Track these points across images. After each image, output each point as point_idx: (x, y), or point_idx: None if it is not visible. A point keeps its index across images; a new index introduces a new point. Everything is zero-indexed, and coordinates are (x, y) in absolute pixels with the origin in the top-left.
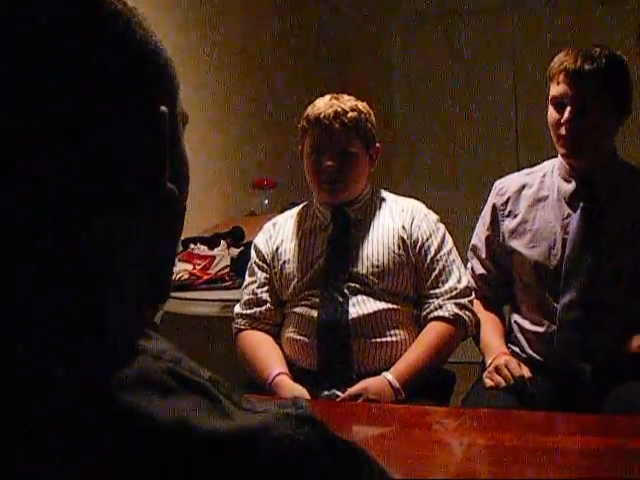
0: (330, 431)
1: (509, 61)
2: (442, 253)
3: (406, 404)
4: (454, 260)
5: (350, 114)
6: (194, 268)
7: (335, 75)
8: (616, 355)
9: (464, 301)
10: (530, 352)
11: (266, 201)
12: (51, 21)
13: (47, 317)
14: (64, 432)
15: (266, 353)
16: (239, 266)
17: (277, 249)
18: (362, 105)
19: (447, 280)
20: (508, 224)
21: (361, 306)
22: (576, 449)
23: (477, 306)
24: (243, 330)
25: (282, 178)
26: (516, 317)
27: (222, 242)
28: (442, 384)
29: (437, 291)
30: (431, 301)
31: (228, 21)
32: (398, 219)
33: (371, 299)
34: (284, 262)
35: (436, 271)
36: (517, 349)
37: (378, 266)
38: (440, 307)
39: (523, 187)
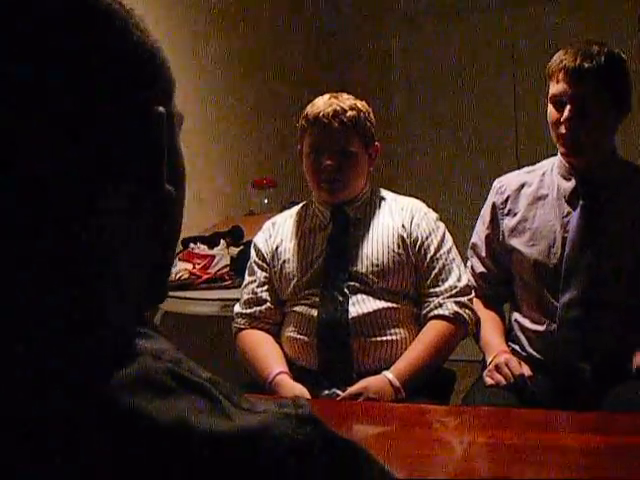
0: (330, 430)
1: (508, 60)
2: (442, 252)
3: (406, 403)
4: (454, 259)
5: (349, 113)
6: (194, 267)
7: (335, 74)
8: (616, 353)
9: (464, 299)
10: (530, 350)
11: (265, 200)
12: (49, 22)
13: (47, 317)
14: (64, 432)
15: (266, 352)
16: (239, 265)
17: (277, 248)
18: (361, 104)
19: (447, 279)
20: (508, 222)
21: (361, 305)
22: (576, 447)
23: (477, 304)
24: (243, 329)
25: (281, 177)
26: (516, 315)
27: (222, 241)
28: (442, 383)
29: (437, 290)
30: (431, 300)
31: (228, 21)
32: (398, 218)
33: (371, 298)
34: (284, 261)
35: (436, 270)
36: (517, 347)
37: (378, 265)
38: (440, 306)
39: (523, 185)
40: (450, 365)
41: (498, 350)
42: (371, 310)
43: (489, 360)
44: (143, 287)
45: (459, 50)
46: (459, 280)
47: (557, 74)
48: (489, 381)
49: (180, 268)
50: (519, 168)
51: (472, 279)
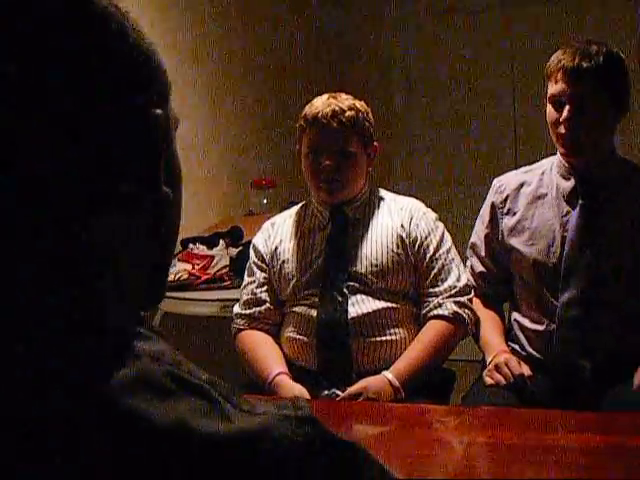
0: (329, 431)
1: (508, 60)
2: (441, 251)
3: (406, 403)
4: (453, 258)
5: (348, 113)
6: (193, 268)
7: (334, 74)
8: (615, 353)
9: (463, 299)
10: (530, 350)
11: (265, 200)
12: (47, 24)
13: (47, 317)
14: (63, 433)
15: (266, 353)
16: (238, 266)
17: (276, 249)
18: (360, 104)
19: (446, 278)
20: (507, 222)
21: (360, 305)
22: (576, 447)
23: (477, 304)
24: (242, 330)
25: (281, 178)
26: (516, 315)
27: (221, 242)
28: (442, 383)
29: (436, 289)
30: (430, 300)
31: (227, 21)
32: (397, 218)
33: (370, 298)
34: (283, 262)
35: (435, 269)
36: (517, 347)
37: (377, 265)
38: (439, 305)
39: (522, 185)
40: (449, 365)
41: (498, 350)
42: (370, 310)
43: (489, 360)
44: (142, 287)
45: (458, 50)
46: (458, 280)
47: (556, 74)
48: (489, 381)
49: (179, 269)
50: (518, 167)
51: (471, 279)
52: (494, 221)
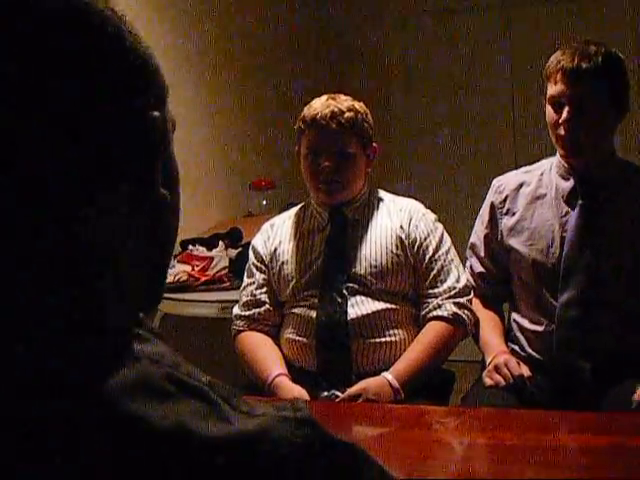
0: (329, 433)
1: (507, 60)
2: (440, 252)
3: (405, 404)
4: (452, 259)
5: (347, 114)
6: (193, 269)
7: (334, 74)
8: (615, 353)
9: (463, 300)
10: (529, 351)
11: (264, 202)
12: (44, 27)
13: (47, 317)
14: (63, 434)
15: (265, 354)
16: (237, 267)
17: (275, 250)
18: (359, 105)
19: (446, 279)
20: (506, 222)
21: (360, 306)
22: (576, 447)
23: (476, 304)
24: (242, 331)
25: (280, 179)
26: (515, 315)
27: (220, 243)
28: (441, 384)
29: (436, 291)
30: (430, 301)
31: (227, 22)
32: (396, 219)
33: (370, 299)
34: (282, 263)
35: (434, 271)
36: (516, 347)
37: (376, 266)
38: (439, 307)
39: (521, 185)
40: (449, 366)
41: (497, 350)
42: (370, 311)
43: (488, 360)
44: (141, 288)
45: (458, 50)
46: (458, 281)
47: (555, 75)
48: (488, 382)
49: (179, 270)
50: (517, 168)
51: (471, 279)
52: (493, 221)
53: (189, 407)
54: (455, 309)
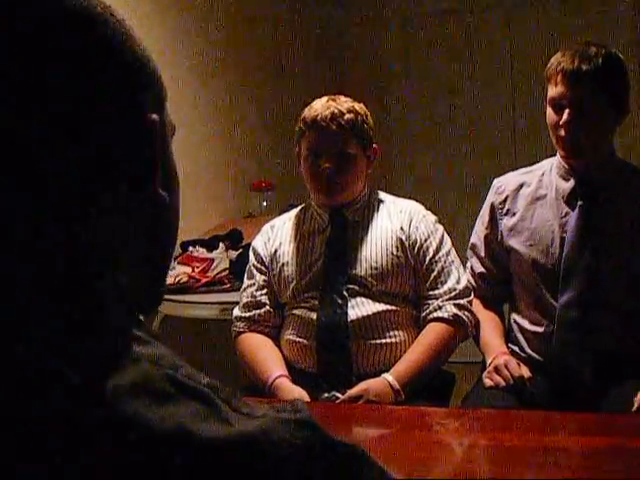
0: (329, 434)
1: (507, 60)
2: (441, 254)
3: (406, 405)
4: (453, 261)
5: (347, 116)
6: (193, 271)
7: (334, 74)
8: (615, 354)
9: (463, 302)
10: (529, 352)
11: (264, 203)
12: (44, 28)
13: (47, 317)
14: (63, 434)
15: (265, 356)
16: (238, 268)
17: (275, 252)
18: (359, 106)
19: (446, 281)
20: (506, 222)
21: (360, 308)
22: (576, 448)
23: (477, 305)
24: (242, 333)
25: (280, 180)
26: (515, 316)
27: (221, 244)
28: (441, 385)
29: (436, 292)
30: (430, 302)
31: (227, 23)
32: (396, 220)
33: (370, 301)
34: (283, 264)
35: (435, 272)
36: (516, 348)
37: (377, 268)
38: (439, 308)
39: (521, 186)
40: (449, 367)
41: (497, 351)
42: (370, 313)
43: (488, 361)
44: (141, 288)
45: (457, 51)
46: (458, 282)
47: (555, 77)
48: (488, 383)
49: (179, 271)
50: (517, 169)
51: (471, 279)
52: (493, 222)
53: (189, 409)
54: (455, 310)
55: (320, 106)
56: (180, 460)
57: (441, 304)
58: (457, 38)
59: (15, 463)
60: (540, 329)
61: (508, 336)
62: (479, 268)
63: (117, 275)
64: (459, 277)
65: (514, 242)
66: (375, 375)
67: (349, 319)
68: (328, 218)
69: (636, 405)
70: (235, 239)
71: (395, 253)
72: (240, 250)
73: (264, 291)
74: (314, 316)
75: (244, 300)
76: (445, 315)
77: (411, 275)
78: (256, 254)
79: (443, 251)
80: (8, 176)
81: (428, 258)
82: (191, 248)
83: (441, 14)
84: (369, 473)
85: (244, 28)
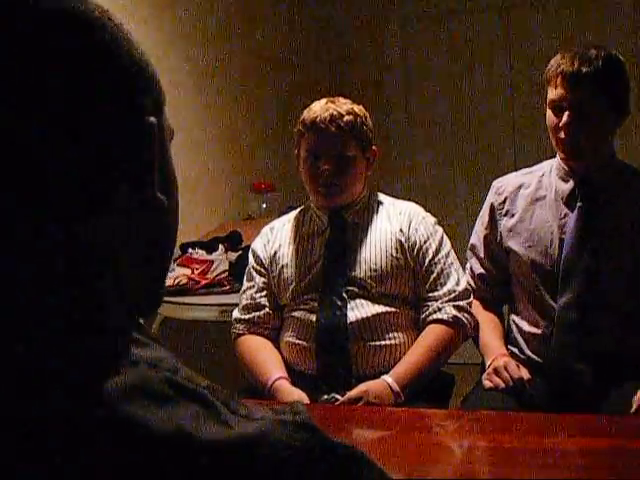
0: (327, 436)
1: (506, 61)
2: (440, 256)
3: (406, 407)
4: (452, 263)
5: (346, 117)
6: (192, 273)
7: (334, 75)
8: (614, 356)
9: (463, 303)
10: (529, 353)
11: (264, 205)
12: (44, 29)
13: (47, 317)
14: (62, 434)
15: (265, 357)
16: (237, 270)
17: (275, 254)
18: (358, 108)
19: (445, 283)
20: (505, 223)
21: (360, 310)
22: (575, 450)
23: (476, 306)
24: (242, 335)
25: (279, 182)
26: (514, 318)
27: (220, 246)
28: (441, 387)
29: (436, 294)
30: (430, 304)
31: (226, 24)
32: (396, 222)
33: (370, 302)
34: (282, 266)
35: (434, 274)
36: (516, 350)
37: (376, 270)
38: (439, 310)
39: (521, 187)
40: (449, 368)
41: (497, 353)
42: (370, 315)
43: (488, 363)
44: (141, 289)
45: (457, 52)
46: (457, 284)
47: (555, 79)
48: (488, 384)
49: (179, 273)
50: (517, 170)
51: (471, 280)
52: (493, 222)
53: (188, 411)
54: (455, 312)
55: (319, 108)
56: (179, 462)
57: (441, 306)
58: (457, 38)
59: (15, 463)
60: (539, 330)
61: (507, 337)
62: (478, 269)
63: (117, 276)
64: (458, 279)
65: (513, 243)
66: (375, 377)
67: (348, 321)
68: (327, 220)
69: (635, 406)
70: (234, 241)
71: (394, 255)
72: (239, 252)
73: (263, 293)
74: (313, 318)
75: (243, 302)
76: (445, 317)
77: (410, 277)
78: (255, 256)
79: (442, 253)
80: (8, 176)
81: (427, 260)
82: (190, 250)
83: (441, 14)
84: (368, 475)
85: (243, 29)
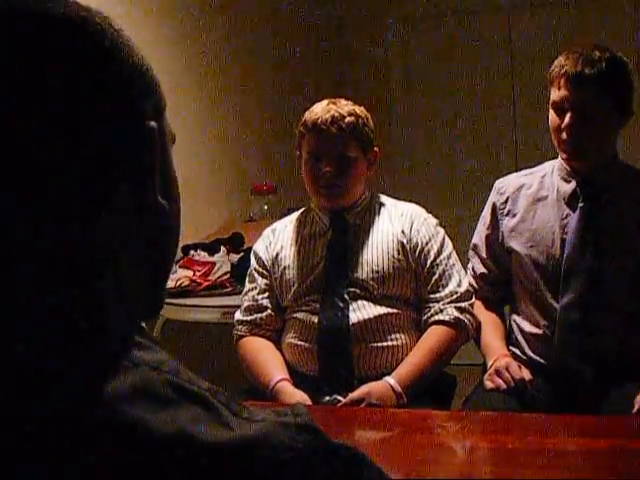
0: (329, 438)
1: (507, 61)
2: (442, 257)
3: (408, 408)
4: (454, 264)
5: (347, 119)
6: (194, 274)
7: (334, 75)
8: (617, 356)
9: (465, 305)
10: (530, 354)
11: (265, 206)
12: (45, 32)
13: (47, 317)
14: (63, 434)
15: (267, 359)
16: (239, 272)
17: (277, 255)
18: (359, 109)
19: (447, 284)
20: (507, 223)
21: (361, 311)
22: (577, 450)
23: (478, 307)
24: (244, 336)
25: (281, 183)
26: (516, 318)
27: (222, 248)
28: (443, 388)
29: (437, 295)
30: (432, 305)
31: (227, 25)
32: (397, 224)
33: (371, 304)
34: (284, 268)
35: (436, 275)
36: (517, 351)
37: (378, 271)
38: (441, 311)
39: (522, 187)
40: (451, 369)
41: (498, 354)
42: (372, 316)
43: (489, 364)
44: (142, 289)
45: (458, 53)
46: (459, 285)
47: (558, 80)
48: (489, 385)
49: (180, 275)
50: (518, 171)
51: (473, 280)
52: (495, 222)
53: (190, 413)
54: (457, 313)
55: (320, 109)
56: (181, 464)
57: (442, 307)
58: (457, 38)
59: (15, 463)
60: (540, 331)
61: (509, 338)
62: (480, 269)
63: (117, 277)
64: (460, 280)
65: (515, 243)
66: (377, 378)
67: (350, 322)
68: (329, 221)
69: (637, 406)
70: (236, 243)
71: (396, 256)
72: (241, 254)
73: (265, 295)
74: (315, 319)
75: (245, 304)
76: (446, 318)
77: (412, 278)
78: (257, 258)
79: (444, 254)
80: (8, 176)
81: (429, 261)
82: (192, 252)
83: (441, 14)
84: (370, 477)
85: (243, 29)
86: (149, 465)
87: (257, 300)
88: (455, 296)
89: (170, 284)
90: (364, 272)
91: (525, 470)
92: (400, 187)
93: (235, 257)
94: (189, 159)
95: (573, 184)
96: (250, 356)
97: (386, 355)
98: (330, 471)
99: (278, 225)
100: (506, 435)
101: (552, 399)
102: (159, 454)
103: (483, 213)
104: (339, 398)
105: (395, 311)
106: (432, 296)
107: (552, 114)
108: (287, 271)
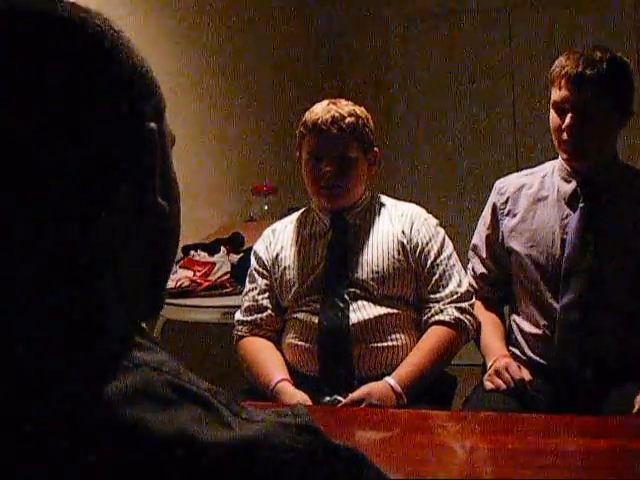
0: (329, 438)
1: (508, 61)
2: (442, 257)
3: (408, 408)
4: (454, 264)
5: (348, 119)
6: (194, 275)
7: (334, 75)
8: (617, 356)
9: (465, 305)
10: (530, 354)
11: (265, 207)
12: (45, 33)
13: (47, 317)
14: (63, 434)
15: (267, 359)
16: (239, 272)
17: (277, 256)
18: (360, 110)
19: (447, 284)
20: (507, 223)
21: (362, 311)
22: (577, 451)
23: (478, 307)
24: (244, 337)
25: (281, 184)
26: (516, 318)
27: (222, 248)
28: (444, 388)
29: (438, 295)
30: (432, 305)
31: (226, 26)
32: (397, 224)
33: (371, 304)
34: (284, 268)
35: (436, 275)
36: (517, 351)
37: (378, 271)
38: (441, 311)
39: (523, 187)
40: (451, 370)
41: (498, 354)
42: (372, 316)
43: (489, 364)
44: (142, 289)
45: (458, 53)
46: (459, 286)
47: (559, 80)
48: (489, 385)
49: (181, 275)
50: (518, 171)
51: (473, 280)
52: (495, 222)
53: (190, 413)
54: (457, 314)
55: (321, 110)
56: (181, 464)
57: (443, 307)
58: (457, 38)
59: (15, 463)
60: (540, 331)
61: (509, 338)
62: (480, 269)
63: (117, 277)
64: (460, 280)
65: (515, 243)
66: (377, 378)
67: (350, 323)
68: (329, 222)
69: (638, 406)
70: (237, 243)
71: (396, 257)
72: (241, 254)
73: (266, 295)
74: (316, 320)
75: (246, 304)
76: (447, 318)
77: (412, 278)
78: (257, 258)
79: (444, 255)
80: (8, 176)
81: (429, 262)
82: (192, 252)
83: (441, 14)
84: (370, 477)
85: (243, 30)
86: (149, 465)
87: (257, 300)
88: (455, 296)
89: (170, 284)
90: (364, 272)
91: (525, 470)
92: (400, 187)
93: (235, 257)
94: (189, 159)
95: (573, 184)
96: (250, 356)
97: (386, 355)
98: (330, 472)
99: (278, 225)
100: (506, 435)
101: (552, 399)
102: (159, 454)
103: (483, 213)
104: (339, 398)
105: (395, 311)
106: (432, 296)
107: (553, 114)
108: (287, 271)
